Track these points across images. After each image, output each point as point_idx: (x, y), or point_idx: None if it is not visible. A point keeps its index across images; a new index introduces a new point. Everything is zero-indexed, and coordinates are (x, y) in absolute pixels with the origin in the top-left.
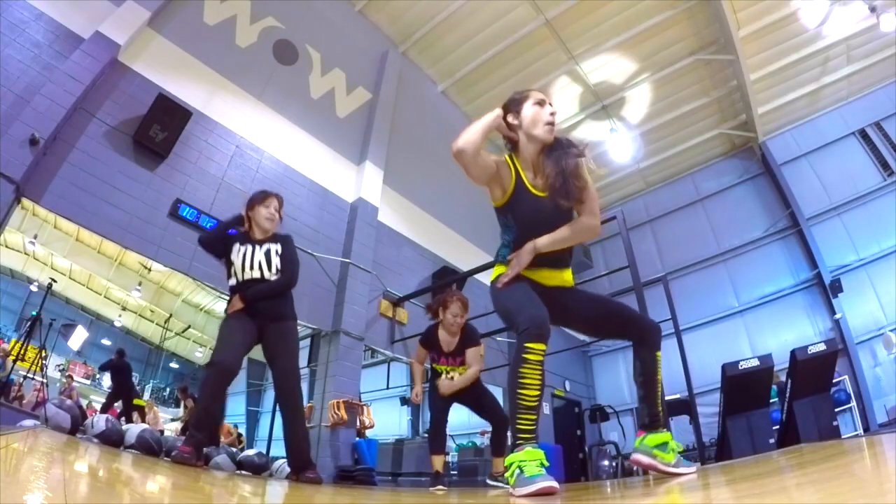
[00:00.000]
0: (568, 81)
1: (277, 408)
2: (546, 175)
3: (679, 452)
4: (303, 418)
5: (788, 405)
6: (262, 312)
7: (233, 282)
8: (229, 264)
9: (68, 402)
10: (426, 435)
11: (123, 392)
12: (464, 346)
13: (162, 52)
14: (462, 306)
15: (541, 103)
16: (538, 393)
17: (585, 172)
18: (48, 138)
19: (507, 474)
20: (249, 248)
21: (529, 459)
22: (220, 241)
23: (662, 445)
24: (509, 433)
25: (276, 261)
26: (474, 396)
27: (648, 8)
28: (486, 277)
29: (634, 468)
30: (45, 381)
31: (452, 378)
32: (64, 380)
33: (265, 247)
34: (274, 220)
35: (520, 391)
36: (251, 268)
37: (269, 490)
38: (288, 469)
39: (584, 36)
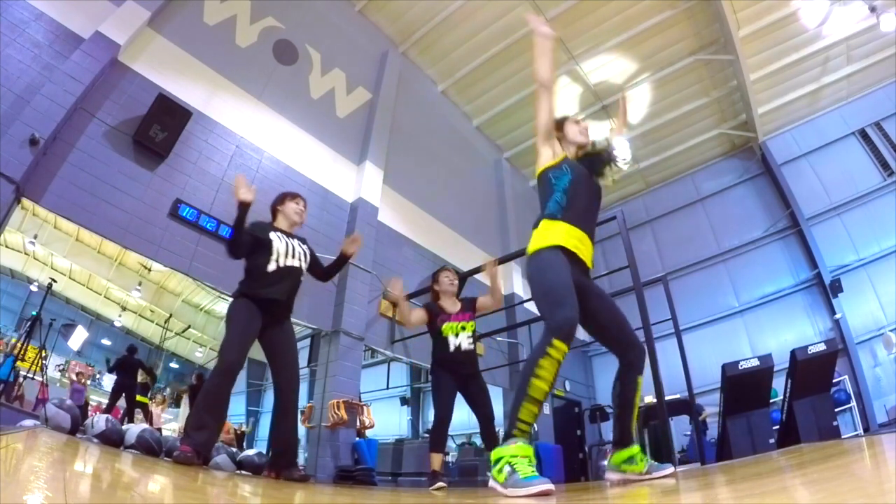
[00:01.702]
0: (568, 81)
1: (274, 402)
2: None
3: (643, 460)
4: (296, 416)
5: (788, 405)
6: (275, 311)
7: (272, 266)
8: (269, 251)
9: (68, 401)
10: (426, 435)
11: (124, 388)
12: (471, 304)
13: (162, 52)
14: (451, 272)
15: (576, 122)
16: (548, 389)
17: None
18: (48, 138)
19: (495, 469)
20: (286, 238)
21: (521, 455)
22: (248, 244)
23: (629, 459)
24: (505, 425)
25: (308, 255)
26: (476, 389)
27: (648, 8)
28: (485, 277)
29: None
30: (44, 380)
31: (461, 344)
32: (66, 379)
33: (297, 240)
34: (302, 216)
35: (533, 379)
36: (293, 256)
37: (269, 490)
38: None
39: (584, 36)
